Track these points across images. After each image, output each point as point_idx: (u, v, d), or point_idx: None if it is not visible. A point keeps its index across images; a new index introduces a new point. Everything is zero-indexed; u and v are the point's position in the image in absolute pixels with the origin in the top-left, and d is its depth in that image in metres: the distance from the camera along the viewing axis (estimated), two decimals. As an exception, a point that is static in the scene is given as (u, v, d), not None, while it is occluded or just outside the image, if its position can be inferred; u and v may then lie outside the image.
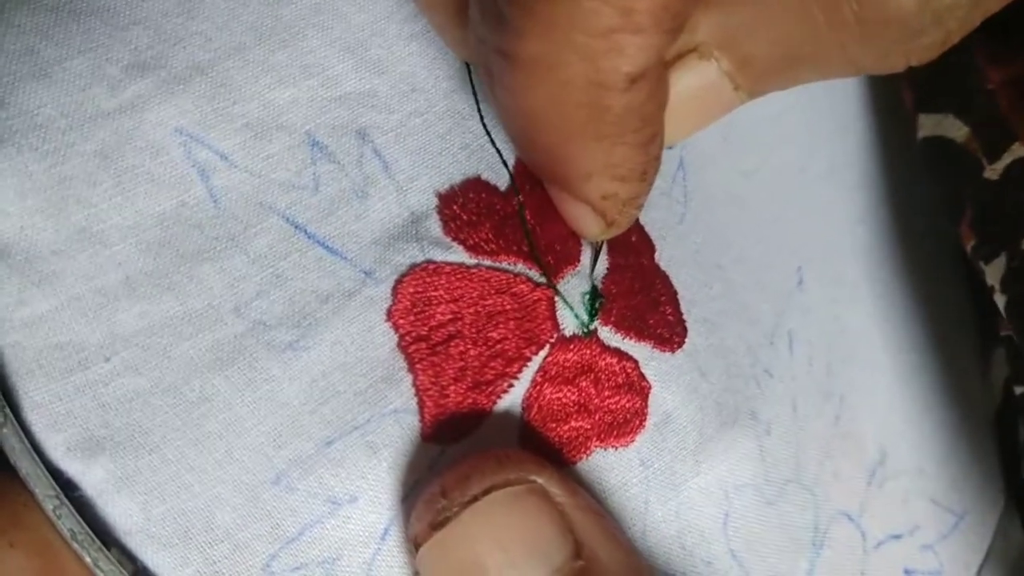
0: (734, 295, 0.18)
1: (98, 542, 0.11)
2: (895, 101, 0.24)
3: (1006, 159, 0.21)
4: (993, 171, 0.22)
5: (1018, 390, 0.23)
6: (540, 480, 0.12)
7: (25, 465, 0.11)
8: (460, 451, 0.13)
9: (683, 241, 0.17)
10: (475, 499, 0.12)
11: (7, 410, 0.11)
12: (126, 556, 0.12)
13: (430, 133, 0.14)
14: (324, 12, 0.14)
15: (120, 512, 0.12)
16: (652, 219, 0.16)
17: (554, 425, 0.14)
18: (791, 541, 0.18)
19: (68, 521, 0.11)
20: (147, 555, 0.12)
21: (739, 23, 0.11)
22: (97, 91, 0.12)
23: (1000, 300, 0.20)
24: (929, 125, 0.23)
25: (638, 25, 0.10)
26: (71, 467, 0.12)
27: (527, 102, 0.11)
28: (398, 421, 0.13)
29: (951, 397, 0.24)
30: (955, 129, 0.23)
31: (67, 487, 0.12)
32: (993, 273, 0.20)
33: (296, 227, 0.13)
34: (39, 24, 0.12)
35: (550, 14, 0.10)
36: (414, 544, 0.12)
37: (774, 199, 0.20)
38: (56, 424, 0.12)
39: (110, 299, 0.12)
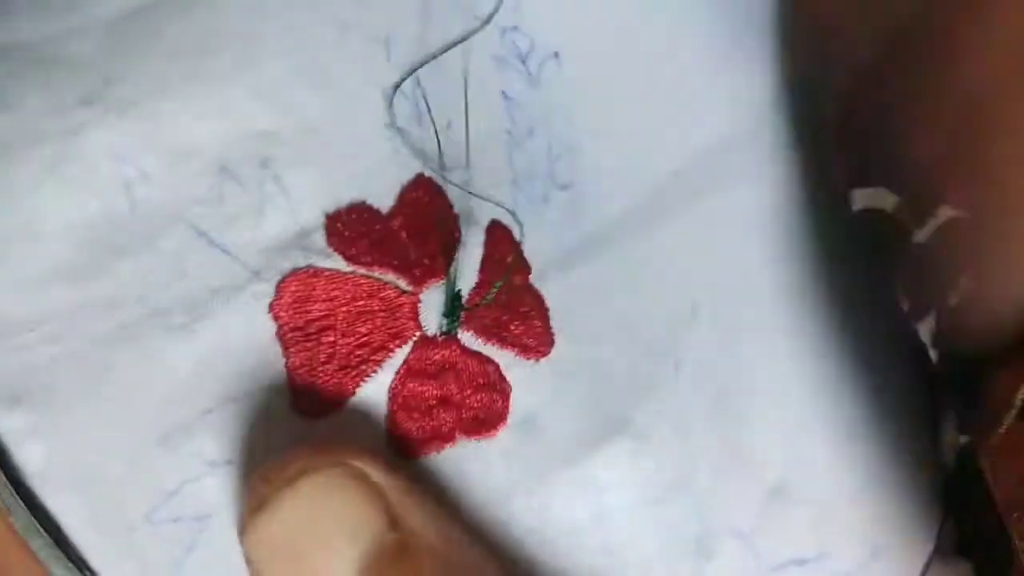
0: (620, 317, 0.19)
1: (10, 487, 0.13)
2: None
3: (931, 224, 0.22)
4: (921, 234, 0.22)
5: (962, 439, 0.23)
6: (358, 463, 0.12)
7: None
8: (327, 426, 0.15)
9: (567, 267, 0.18)
10: (293, 481, 0.12)
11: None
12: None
13: (324, 166, 0.16)
14: (245, 66, 0.16)
15: (29, 457, 0.13)
16: (537, 247, 0.18)
17: (418, 415, 0.16)
18: (672, 546, 0.18)
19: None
20: (46, 495, 0.13)
21: None
22: (50, 119, 0.14)
23: (934, 355, 0.21)
24: (862, 199, 0.24)
25: None
26: None
27: None
28: (270, 396, 0.14)
29: (881, 440, 0.23)
30: (886, 197, 0.23)
31: None
32: (924, 330, 0.21)
33: (200, 233, 0.15)
34: (12, 68, 0.15)
35: None
36: (239, 533, 0.12)
37: (674, 240, 0.21)
38: None
39: (40, 283, 0.14)
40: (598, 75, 0.21)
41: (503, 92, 0.19)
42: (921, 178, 0.22)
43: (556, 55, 0.20)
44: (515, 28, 0.20)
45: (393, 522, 0.12)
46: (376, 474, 0.13)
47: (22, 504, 0.13)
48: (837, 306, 0.23)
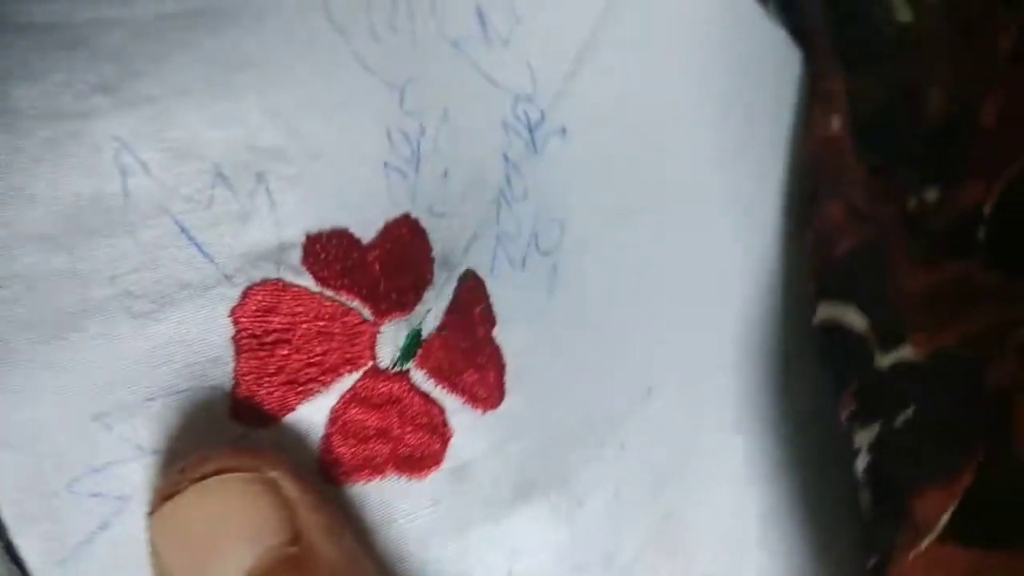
0: (572, 388, 0.19)
1: None
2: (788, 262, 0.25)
3: (893, 356, 0.23)
4: (883, 361, 0.23)
5: (870, 562, 0.23)
6: (274, 474, 0.13)
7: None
8: (262, 437, 0.15)
9: (532, 329, 0.19)
10: (204, 478, 0.12)
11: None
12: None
13: (316, 189, 0.16)
14: (264, 85, 0.17)
15: None
16: (507, 304, 0.18)
17: (354, 441, 0.16)
18: None
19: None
20: None
21: None
22: (66, 98, 0.15)
23: (862, 461, 0.21)
24: (829, 312, 0.24)
25: None
26: None
27: None
28: (213, 396, 0.15)
29: (814, 553, 0.23)
30: (855, 319, 0.24)
31: None
32: (864, 436, 0.21)
33: (182, 229, 0.15)
34: (42, 44, 0.15)
35: None
36: (149, 514, 0.13)
37: (641, 322, 0.21)
38: None
39: (18, 244, 0.14)
40: (605, 156, 0.22)
41: (504, 154, 0.20)
42: (895, 313, 0.23)
43: (563, 131, 0.21)
44: (528, 99, 0.21)
45: (295, 537, 0.12)
46: (289, 487, 0.13)
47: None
48: (782, 410, 0.23)
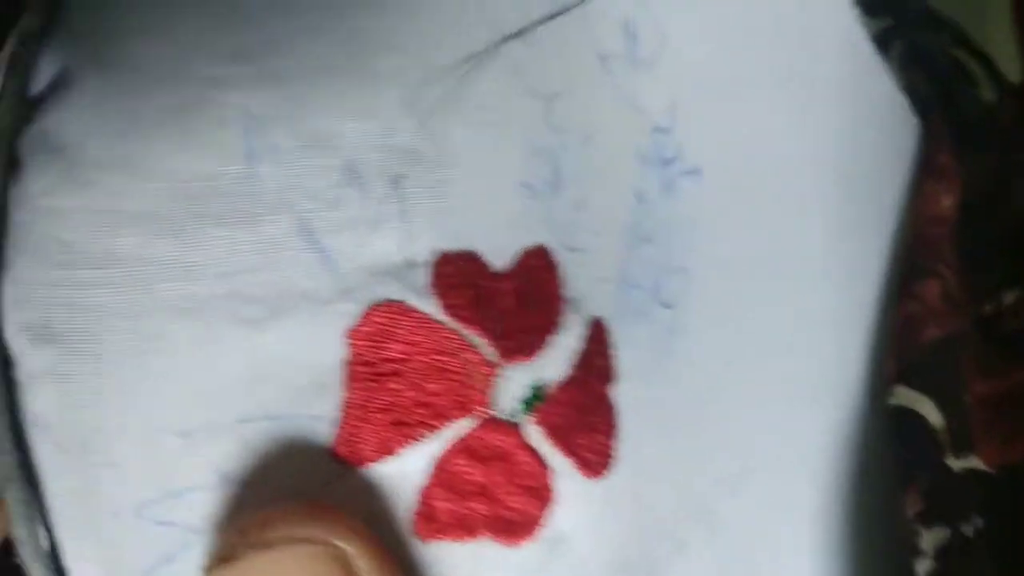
0: (675, 462, 0.17)
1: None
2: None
3: (963, 462, 0.21)
4: (955, 463, 0.22)
5: None
6: (348, 549, 0.11)
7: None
8: (356, 480, 0.13)
9: (643, 395, 0.17)
10: (269, 545, 0.11)
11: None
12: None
13: (452, 202, 0.14)
14: (408, 75, 0.15)
15: (39, 402, 0.12)
16: (625, 360, 0.16)
17: (454, 497, 0.14)
18: None
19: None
20: (39, 448, 0.12)
21: None
22: (196, 60, 0.13)
23: (924, 565, 0.19)
24: (906, 398, 0.23)
25: None
26: (17, 344, 0.12)
27: None
28: (314, 428, 0.13)
29: None
30: (932, 413, 0.23)
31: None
32: (930, 540, 0.20)
33: (306, 230, 0.13)
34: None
35: None
36: (203, 571, 0.11)
37: (748, 395, 0.19)
38: (24, 302, 0.12)
39: (123, 222, 0.12)
40: (733, 205, 0.20)
41: (637, 189, 0.18)
42: (967, 420, 0.21)
43: (699, 171, 0.19)
44: (666, 131, 0.19)
45: None
46: (363, 564, 0.11)
47: (11, 447, 0.11)
48: (858, 499, 0.22)
